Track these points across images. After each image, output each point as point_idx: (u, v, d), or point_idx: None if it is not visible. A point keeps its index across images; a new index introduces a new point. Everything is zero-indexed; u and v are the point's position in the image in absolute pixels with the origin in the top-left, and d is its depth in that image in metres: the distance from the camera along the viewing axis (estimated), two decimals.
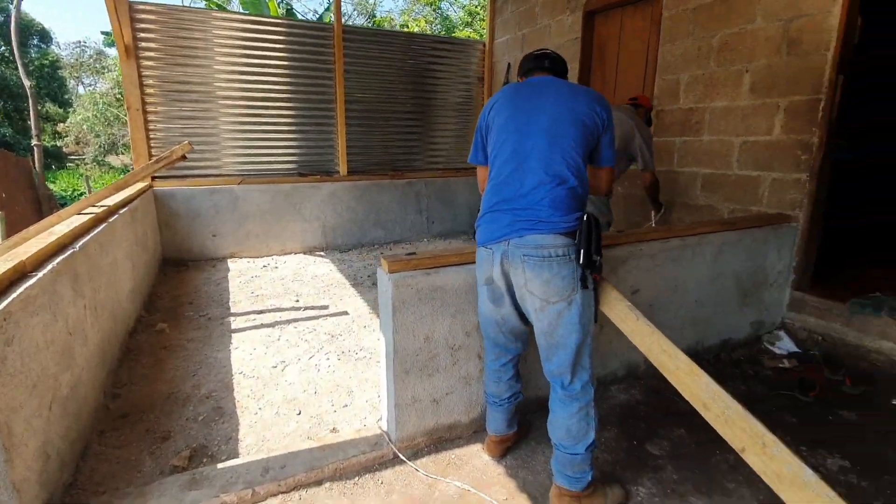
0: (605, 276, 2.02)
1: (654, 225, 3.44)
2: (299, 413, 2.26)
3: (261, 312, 3.50)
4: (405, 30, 14.60)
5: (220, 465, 1.80)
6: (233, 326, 3.25)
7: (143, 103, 4.58)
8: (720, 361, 2.84)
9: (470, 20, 15.27)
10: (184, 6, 5.32)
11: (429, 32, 14.98)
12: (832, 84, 2.78)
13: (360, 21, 17.55)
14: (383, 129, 5.74)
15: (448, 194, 6.02)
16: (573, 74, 4.71)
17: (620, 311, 1.62)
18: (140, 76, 4.54)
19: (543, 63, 1.77)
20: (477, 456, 1.97)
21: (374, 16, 17.43)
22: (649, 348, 1.50)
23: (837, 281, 3.29)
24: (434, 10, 16.56)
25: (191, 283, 4.17)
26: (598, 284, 1.65)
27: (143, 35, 4.50)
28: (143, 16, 4.48)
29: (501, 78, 5.87)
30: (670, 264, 2.49)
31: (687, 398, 1.40)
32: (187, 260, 4.76)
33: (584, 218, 1.52)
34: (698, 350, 2.78)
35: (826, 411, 2.34)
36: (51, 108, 19.12)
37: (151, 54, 4.56)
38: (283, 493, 1.72)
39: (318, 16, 12.82)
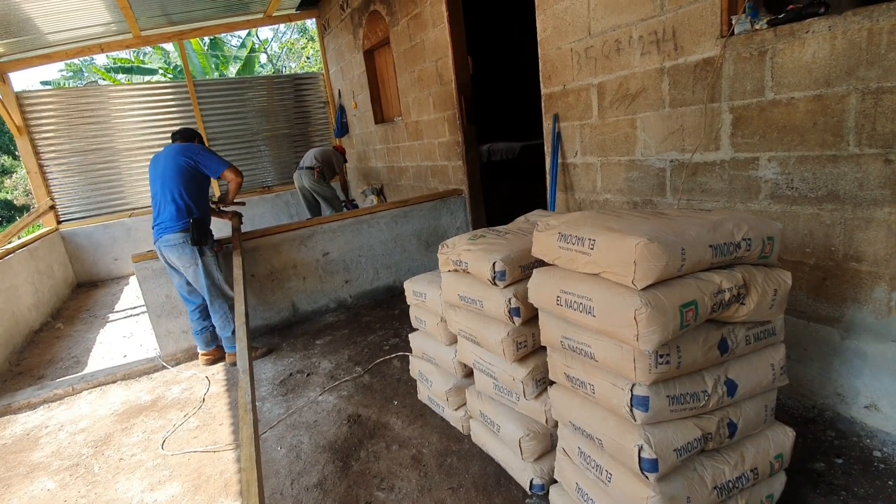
0: (291, 247, 3.57)
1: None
2: (125, 356, 3.78)
3: (134, 308, 5.00)
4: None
5: (57, 380, 3.31)
6: (109, 318, 4.75)
7: (41, 168, 6.01)
8: None
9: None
10: (71, 87, 6.70)
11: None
12: (458, 103, 4.29)
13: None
14: (248, 155, 7.20)
15: None
16: (366, 97, 6.18)
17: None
18: (35, 148, 5.95)
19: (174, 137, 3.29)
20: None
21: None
22: None
23: None
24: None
25: (94, 297, 5.65)
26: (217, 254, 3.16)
27: (33, 116, 5.91)
28: (32, 101, 5.88)
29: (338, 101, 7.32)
30: (350, 234, 4.01)
31: None
32: (97, 280, 6.23)
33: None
34: (396, 284, 4.31)
35: None
36: (6, 160, 20.19)
37: (48, 129, 5.98)
38: (91, 388, 3.23)
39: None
